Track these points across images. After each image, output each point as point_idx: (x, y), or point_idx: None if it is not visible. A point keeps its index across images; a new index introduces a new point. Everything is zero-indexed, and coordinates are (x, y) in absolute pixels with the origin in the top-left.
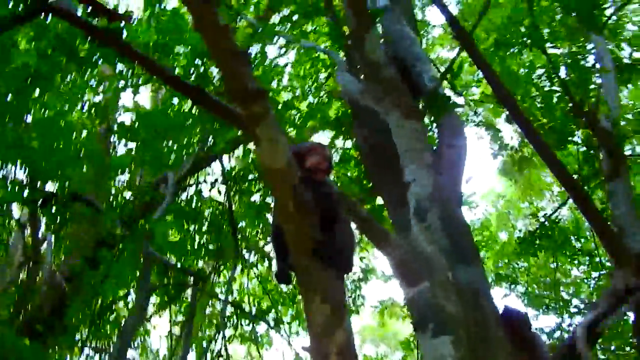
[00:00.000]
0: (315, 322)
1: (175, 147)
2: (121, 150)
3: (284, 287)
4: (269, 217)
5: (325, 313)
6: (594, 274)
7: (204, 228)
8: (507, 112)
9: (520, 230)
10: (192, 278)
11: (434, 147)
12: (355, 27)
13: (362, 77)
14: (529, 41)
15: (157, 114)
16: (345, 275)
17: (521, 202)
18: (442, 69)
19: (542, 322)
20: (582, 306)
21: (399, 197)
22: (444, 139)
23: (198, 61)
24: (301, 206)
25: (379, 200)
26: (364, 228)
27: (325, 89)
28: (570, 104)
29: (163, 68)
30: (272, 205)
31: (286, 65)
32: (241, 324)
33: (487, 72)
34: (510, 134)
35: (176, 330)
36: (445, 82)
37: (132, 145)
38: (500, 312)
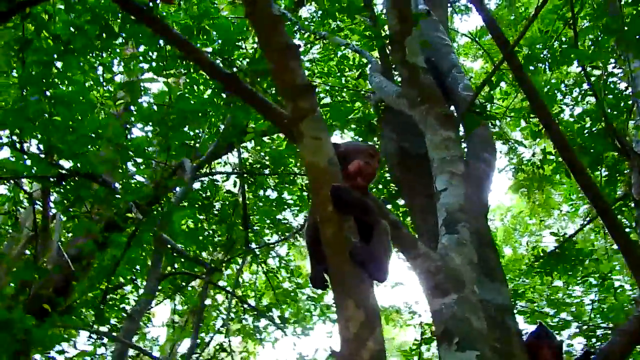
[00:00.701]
0: (348, 327)
1: (200, 133)
2: (137, 132)
3: (286, 285)
4: (284, 215)
5: (359, 319)
6: (593, 296)
7: (216, 219)
8: (542, 127)
9: (525, 246)
10: (204, 269)
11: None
12: (397, 29)
13: (398, 80)
14: (565, 58)
15: (185, 98)
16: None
17: (530, 219)
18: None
19: None
20: (584, 327)
21: (427, 205)
22: (474, 151)
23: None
24: (342, 208)
25: (400, 202)
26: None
27: (352, 88)
28: (603, 125)
29: (201, 52)
30: (310, 205)
31: (312, 61)
32: (245, 319)
33: (527, 85)
34: (530, 150)
35: (177, 319)
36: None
37: (149, 128)
38: (534, 331)
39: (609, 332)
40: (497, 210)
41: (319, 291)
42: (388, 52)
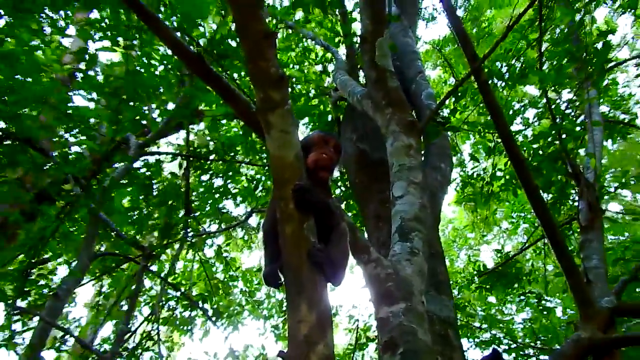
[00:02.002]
0: (299, 329)
1: (151, 110)
2: (80, 101)
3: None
4: (226, 204)
5: (311, 322)
6: (525, 314)
7: (155, 200)
8: (497, 144)
9: (462, 260)
10: (139, 252)
11: None
12: (370, 29)
13: (363, 81)
14: (528, 78)
15: (139, 72)
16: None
17: (470, 232)
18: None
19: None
20: (513, 345)
21: (381, 211)
22: (431, 161)
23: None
24: (303, 206)
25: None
26: None
27: (313, 81)
28: (557, 147)
29: (167, 28)
30: (271, 198)
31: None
32: (175, 308)
33: (491, 100)
34: (480, 164)
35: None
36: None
37: (97, 98)
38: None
39: (538, 351)
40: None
41: (253, 286)
42: (357, 51)
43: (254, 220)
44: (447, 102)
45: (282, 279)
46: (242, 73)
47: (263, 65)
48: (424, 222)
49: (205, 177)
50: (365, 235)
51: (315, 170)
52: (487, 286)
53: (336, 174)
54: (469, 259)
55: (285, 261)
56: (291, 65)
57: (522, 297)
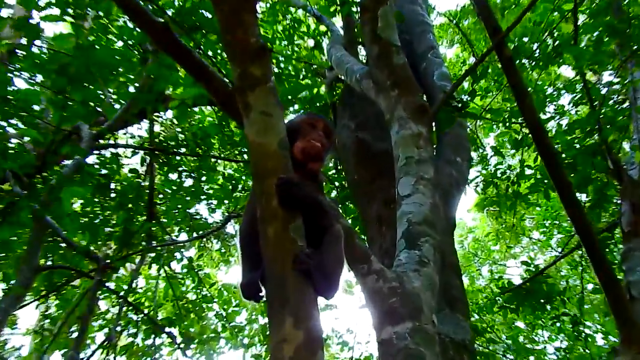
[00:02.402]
0: (282, 350)
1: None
2: (22, 84)
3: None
4: (198, 208)
5: (297, 341)
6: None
7: (113, 203)
8: (526, 135)
9: (485, 278)
10: (94, 265)
11: None
12: None
13: (364, 58)
14: (560, 56)
15: (92, 47)
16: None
17: (494, 244)
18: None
19: None
20: None
21: (384, 213)
22: (445, 153)
23: None
24: (289, 203)
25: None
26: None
27: (303, 59)
28: (596, 139)
29: None
30: (250, 195)
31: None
32: (136, 334)
33: (517, 82)
34: (506, 161)
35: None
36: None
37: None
38: None
39: None
40: (457, 229)
41: (231, 308)
42: (356, 22)
43: (231, 228)
44: (464, 83)
45: (263, 291)
46: (219, 51)
47: (241, 35)
48: (435, 226)
49: (173, 176)
50: (366, 242)
51: (304, 160)
52: (513, 306)
53: (331, 173)
54: (491, 275)
55: (267, 269)
56: (277, 42)
57: (555, 321)
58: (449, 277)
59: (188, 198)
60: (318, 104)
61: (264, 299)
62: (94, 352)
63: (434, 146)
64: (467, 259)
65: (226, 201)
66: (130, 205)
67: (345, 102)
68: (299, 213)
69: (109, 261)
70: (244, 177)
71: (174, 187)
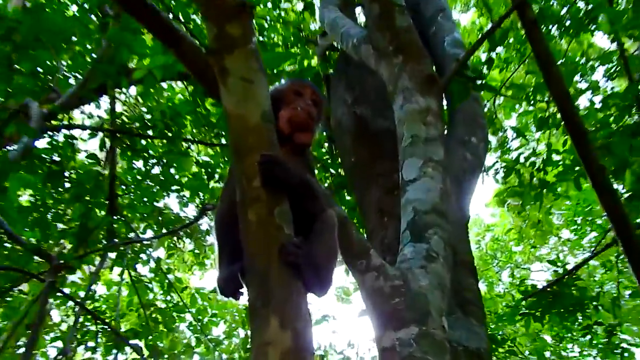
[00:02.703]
0: (267, 355)
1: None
2: None
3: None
4: (167, 201)
5: (284, 345)
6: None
7: (68, 195)
8: (553, 113)
9: (505, 284)
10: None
11: None
12: None
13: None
14: (593, 22)
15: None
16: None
17: (516, 244)
18: None
19: None
20: None
21: (386, 201)
22: (456, 132)
23: None
24: (273, 184)
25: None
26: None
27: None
28: (637, 118)
29: None
30: (228, 176)
31: None
32: (96, 348)
33: (541, 50)
34: (530, 145)
35: None
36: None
37: None
38: None
39: None
40: (472, 227)
41: (207, 318)
42: None
43: (207, 225)
44: (481, 54)
45: (244, 287)
46: (193, 15)
47: None
48: (445, 215)
49: (138, 163)
50: (365, 234)
51: (290, 132)
52: (537, 313)
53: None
54: (513, 279)
55: (248, 261)
56: (261, 3)
57: (586, 332)
58: (462, 276)
59: (156, 189)
60: (309, 78)
61: (245, 296)
62: None
63: (445, 124)
64: (485, 262)
65: (200, 193)
66: (87, 197)
67: (341, 72)
68: (285, 196)
69: (62, 261)
70: (221, 165)
71: (139, 177)
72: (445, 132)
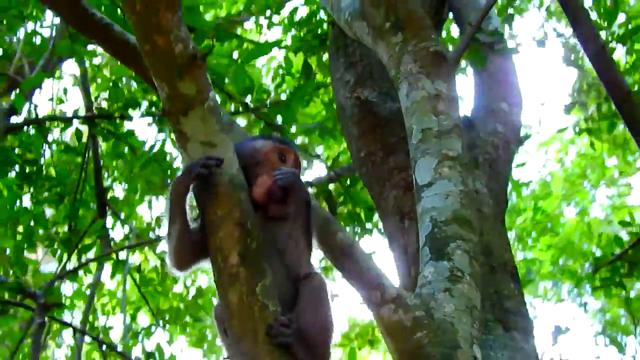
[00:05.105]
0: None
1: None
2: None
3: None
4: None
5: None
6: None
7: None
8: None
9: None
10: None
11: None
12: None
13: None
14: None
15: None
16: None
17: (609, 156)
18: None
19: None
20: None
21: (404, 203)
22: (484, 99)
23: None
24: (251, 257)
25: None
26: (338, 260)
27: None
28: None
29: None
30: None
31: None
32: None
33: None
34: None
35: None
36: None
37: None
38: None
39: None
40: (552, 144)
41: None
42: None
43: None
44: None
45: None
46: None
47: (161, 42)
48: (471, 223)
49: (124, 149)
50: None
51: (267, 204)
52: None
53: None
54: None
55: (234, 347)
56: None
57: None
58: (501, 282)
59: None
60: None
61: None
62: None
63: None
64: (572, 184)
65: None
66: (72, 197)
67: (339, 47)
68: (266, 267)
69: (50, 298)
70: None
71: (129, 161)
72: (474, 95)
